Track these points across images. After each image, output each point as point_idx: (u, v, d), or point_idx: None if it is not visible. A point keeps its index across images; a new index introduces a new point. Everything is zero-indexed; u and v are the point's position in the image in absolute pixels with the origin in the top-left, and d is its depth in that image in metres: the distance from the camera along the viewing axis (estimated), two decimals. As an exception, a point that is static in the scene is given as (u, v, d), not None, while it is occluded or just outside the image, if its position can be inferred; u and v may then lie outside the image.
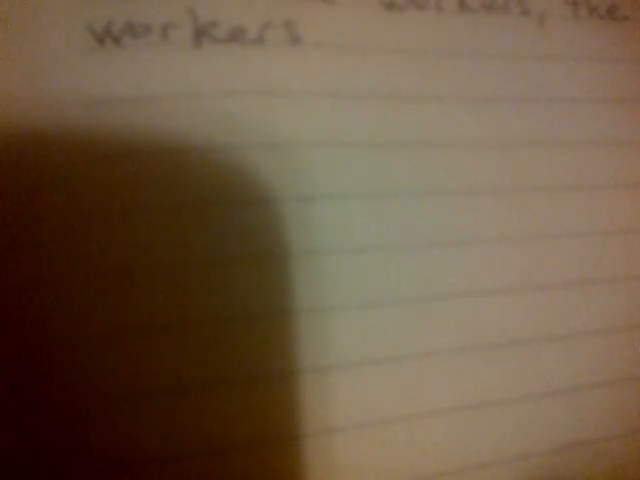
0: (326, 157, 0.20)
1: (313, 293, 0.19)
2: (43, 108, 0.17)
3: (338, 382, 0.19)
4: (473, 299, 0.21)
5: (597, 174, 0.23)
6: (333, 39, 0.20)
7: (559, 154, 0.22)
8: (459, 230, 0.21)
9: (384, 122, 0.20)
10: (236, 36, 0.19)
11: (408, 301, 0.20)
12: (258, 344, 0.19)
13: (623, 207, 0.23)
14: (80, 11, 0.18)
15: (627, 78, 0.24)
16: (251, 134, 0.19)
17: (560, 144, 0.23)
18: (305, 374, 0.19)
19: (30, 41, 0.17)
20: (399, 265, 0.20)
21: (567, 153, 0.23)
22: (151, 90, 0.18)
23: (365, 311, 0.20)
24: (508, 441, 0.21)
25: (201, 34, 0.18)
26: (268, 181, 0.19)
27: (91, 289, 0.17)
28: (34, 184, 0.17)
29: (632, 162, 0.23)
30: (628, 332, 0.23)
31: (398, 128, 0.21)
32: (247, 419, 0.19)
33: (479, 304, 0.21)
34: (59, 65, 0.17)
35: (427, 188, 0.21)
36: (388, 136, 0.20)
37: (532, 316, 0.22)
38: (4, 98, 0.17)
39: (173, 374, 0.18)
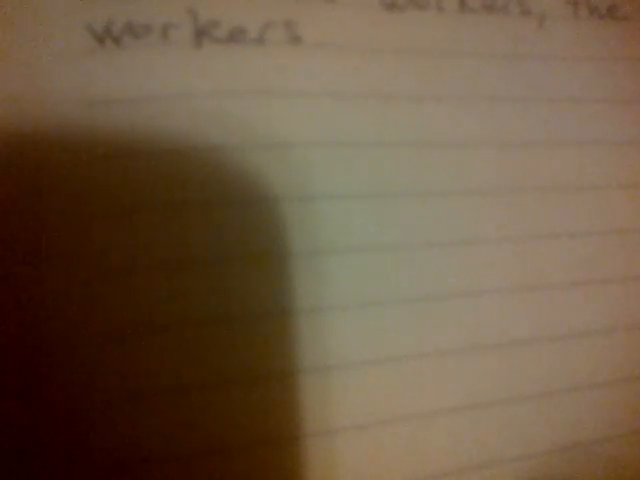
0: (326, 157, 0.20)
1: (313, 293, 0.19)
2: (43, 108, 0.17)
3: (338, 382, 0.19)
4: (473, 299, 0.21)
5: (597, 174, 0.23)
6: (333, 39, 0.20)
7: (559, 154, 0.22)
8: (459, 230, 0.21)
9: (384, 122, 0.20)
10: (236, 36, 0.19)
11: (408, 301, 0.20)
12: (258, 344, 0.19)
13: (623, 207, 0.23)
14: (80, 11, 0.18)
15: (627, 78, 0.24)
16: (251, 134, 0.19)
17: (560, 144, 0.23)
18: (305, 374, 0.19)
19: (30, 41, 0.17)
20: (399, 265, 0.20)
21: (567, 153, 0.23)
22: (151, 90, 0.18)
23: (365, 311, 0.20)
24: (508, 441, 0.21)
25: (201, 34, 0.18)
26: (268, 181, 0.19)
27: (91, 289, 0.17)
28: (34, 184, 0.17)
29: (632, 162, 0.23)
30: (628, 332, 0.23)
31: (398, 128, 0.21)
32: (247, 419, 0.19)
33: (479, 304, 0.21)
34: (59, 65, 0.17)
35: (427, 188, 0.21)
36: (388, 136, 0.20)
37: (532, 316, 0.22)
38: (4, 98, 0.17)
39: (173, 374, 0.18)
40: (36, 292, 0.17)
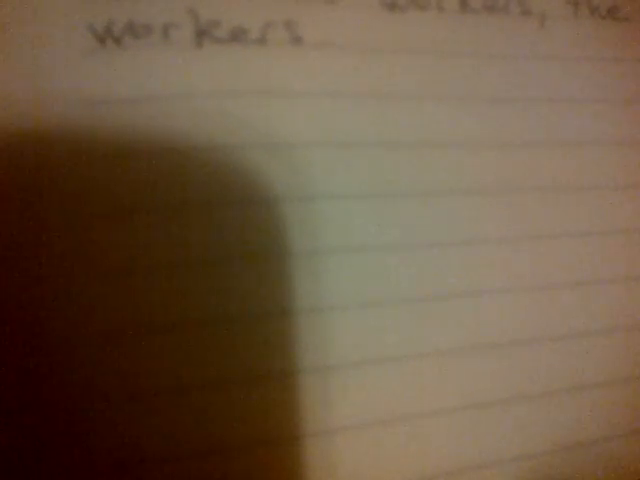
0: (326, 157, 0.20)
1: (313, 293, 0.19)
2: (44, 108, 0.17)
3: (338, 382, 0.19)
4: (473, 299, 0.21)
5: (597, 174, 0.23)
6: (334, 39, 0.20)
7: (559, 154, 0.22)
8: (459, 230, 0.21)
9: (384, 122, 0.20)
10: (237, 36, 0.19)
11: (408, 301, 0.20)
12: (258, 344, 0.19)
13: (623, 207, 0.23)
14: (81, 11, 0.18)
15: (627, 78, 0.24)
16: (251, 134, 0.19)
17: (560, 144, 0.23)
18: (305, 374, 0.19)
19: (31, 41, 0.17)
20: (399, 265, 0.20)
21: (567, 153, 0.23)
22: (152, 90, 0.18)
23: (365, 311, 0.20)
24: (508, 441, 0.21)
25: (202, 34, 0.18)
26: (268, 181, 0.19)
27: (91, 289, 0.17)
28: (35, 184, 0.17)
29: (632, 162, 0.23)
30: (628, 332, 0.23)
31: (398, 128, 0.20)
32: (247, 419, 0.19)
33: (479, 304, 0.21)
34: (60, 65, 0.17)
35: (427, 188, 0.21)
36: (388, 136, 0.20)
37: (532, 316, 0.22)
38: (5, 98, 0.17)
39: (173, 374, 0.18)
40: (36, 292, 0.17)
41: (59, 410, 0.17)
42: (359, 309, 0.20)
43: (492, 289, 0.21)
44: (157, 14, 0.18)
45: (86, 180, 0.17)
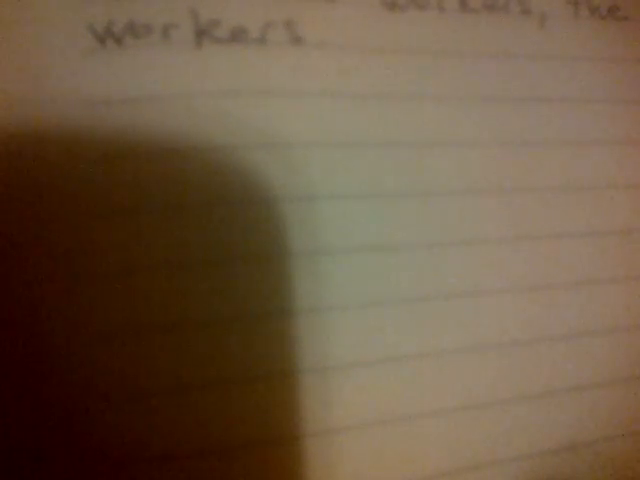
0: (326, 157, 0.20)
1: (313, 293, 0.19)
2: (44, 108, 0.17)
3: (338, 382, 0.19)
4: (473, 299, 0.21)
5: (597, 174, 0.23)
6: (334, 39, 0.20)
7: (559, 154, 0.22)
8: (459, 230, 0.21)
9: (384, 122, 0.20)
10: (237, 36, 0.19)
11: (408, 301, 0.20)
12: (258, 344, 0.19)
13: (623, 207, 0.23)
14: (81, 11, 0.18)
15: (627, 78, 0.24)
16: (251, 134, 0.19)
17: (560, 144, 0.23)
18: (305, 374, 0.19)
19: (31, 41, 0.17)
20: (399, 265, 0.20)
21: (567, 153, 0.23)
22: (152, 90, 0.18)
23: (365, 311, 0.20)
24: (508, 441, 0.21)
25: (202, 34, 0.18)
26: (268, 181, 0.19)
27: (91, 289, 0.17)
28: (34, 184, 0.17)
29: (632, 162, 0.23)
30: (628, 332, 0.23)
31: (398, 128, 0.20)
32: (247, 419, 0.19)
33: (479, 304, 0.21)
34: (60, 65, 0.17)
35: (427, 188, 0.21)
36: (388, 136, 0.20)
37: (532, 316, 0.22)
38: (5, 98, 0.17)
39: (173, 374, 0.18)
40: (36, 292, 0.17)
41: (59, 410, 0.17)
42: (359, 309, 0.20)
43: (492, 289, 0.21)
44: (157, 14, 0.18)
45: (86, 180, 0.17)
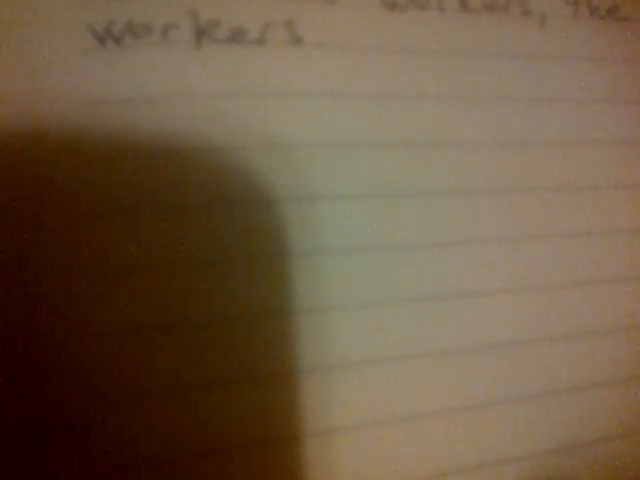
0: (326, 157, 0.20)
1: (313, 293, 0.19)
2: (44, 108, 0.17)
3: (338, 382, 0.19)
4: (473, 299, 0.21)
5: (597, 174, 0.23)
6: (334, 39, 0.20)
7: (559, 154, 0.22)
8: (459, 230, 0.21)
9: (384, 122, 0.20)
10: (237, 36, 0.19)
11: (408, 301, 0.20)
12: (258, 344, 0.19)
13: (623, 207, 0.23)
14: (81, 11, 0.18)
15: (627, 78, 0.24)
16: (251, 134, 0.19)
17: (560, 144, 0.23)
18: (305, 374, 0.19)
19: (31, 41, 0.17)
20: (399, 265, 0.20)
21: (567, 153, 0.23)
22: (152, 90, 0.18)
23: (365, 311, 0.20)
24: (508, 441, 0.21)
25: (202, 34, 0.18)
26: (268, 181, 0.19)
27: (91, 289, 0.17)
28: (35, 184, 0.17)
29: (632, 162, 0.23)
30: (628, 332, 0.23)
31: (398, 128, 0.20)
32: (247, 419, 0.19)
33: (479, 304, 0.21)
34: (60, 65, 0.17)
35: (427, 188, 0.21)
36: (388, 136, 0.20)
37: (532, 316, 0.22)
38: (4, 98, 0.17)
39: (173, 374, 0.18)
40: (36, 292, 0.17)
41: (59, 410, 0.17)
42: (359, 309, 0.20)
43: (492, 289, 0.21)
44: (157, 14, 0.18)
45: (86, 180, 0.17)
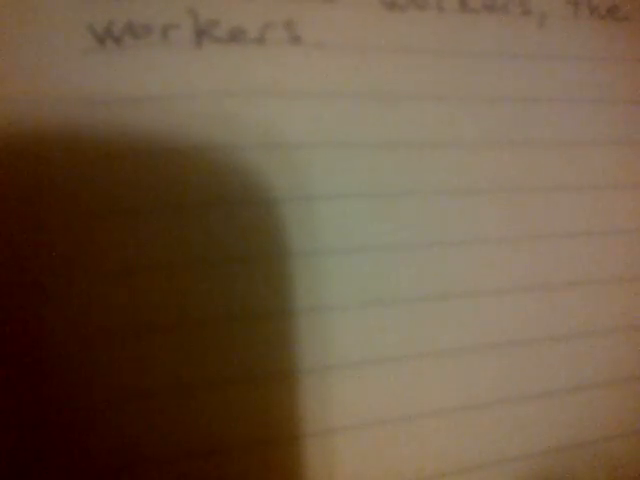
0: (326, 157, 0.20)
1: (313, 293, 0.19)
2: (43, 108, 0.17)
3: (338, 382, 0.19)
4: (473, 299, 0.21)
5: (597, 174, 0.23)
6: (333, 39, 0.20)
7: (559, 154, 0.22)
8: (459, 230, 0.21)
9: (384, 122, 0.20)
10: (236, 36, 0.19)
11: (408, 301, 0.20)
12: (258, 344, 0.19)
13: (623, 207, 0.23)
14: (81, 11, 0.18)
15: (627, 78, 0.24)
16: (251, 134, 0.19)
17: (560, 144, 0.23)
18: (305, 374, 0.19)
19: (31, 41, 0.17)
20: (399, 265, 0.20)
21: (567, 153, 0.23)
22: (151, 90, 0.18)
23: (365, 311, 0.20)
24: (508, 441, 0.21)
25: (201, 34, 0.18)
26: (268, 181, 0.19)
27: (91, 289, 0.17)
28: (35, 184, 0.17)
29: (632, 162, 0.23)
30: (628, 332, 0.23)
31: (398, 128, 0.20)
32: (247, 419, 0.19)
33: (479, 304, 0.21)
34: (60, 65, 0.17)
35: (427, 188, 0.21)
36: (388, 136, 0.20)
37: (532, 316, 0.22)
38: (4, 98, 0.17)
39: (173, 374, 0.18)
40: (36, 292, 0.17)
41: (59, 410, 0.17)
42: (359, 309, 0.20)
43: (492, 289, 0.21)
44: (157, 14, 0.18)
45: (86, 180, 0.17)
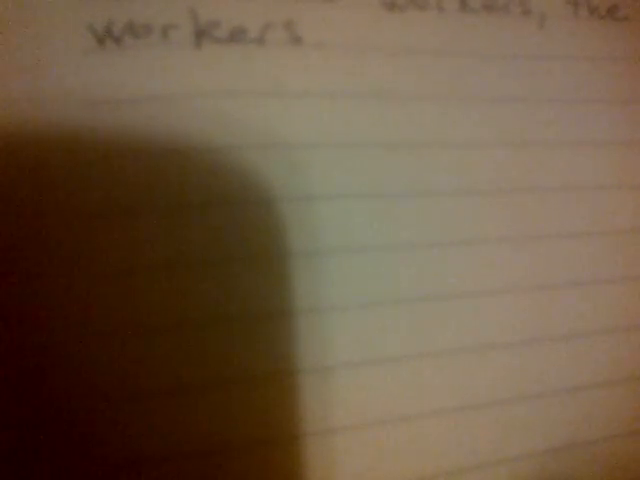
0: (326, 157, 0.20)
1: (313, 293, 0.19)
2: (44, 108, 0.17)
3: (338, 382, 0.19)
4: (473, 299, 0.21)
5: (597, 174, 0.23)
6: (334, 39, 0.20)
7: (559, 154, 0.22)
8: (459, 230, 0.21)
9: (384, 122, 0.20)
10: (236, 36, 0.19)
11: (408, 301, 0.20)
12: (258, 344, 0.19)
13: (623, 207, 0.23)
14: (81, 11, 0.18)
15: (627, 78, 0.24)
16: (251, 134, 0.19)
17: (560, 144, 0.23)
18: (305, 374, 0.19)
19: (31, 41, 0.17)
20: (399, 265, 0.20)
21: (567, 153, 0.23)
22: (152, 90, 0.18)
23: (365, 311, 0.20)
24: (508, 441, 0.21)
25: (202, 34, 0.18)
26: (268, 181, 0.19)
27: (91, 289, 0.17)
28: (35, 184, 0.17)
29: (632, 162, 0.23)
30: (628, 332, 0.23)
31: (398, 128, 0.21)
32: (247, 419, 0.19)
33: (479, 304, 0.21)
34: (60, 65, 0.17)
35: (427, 188, 0.21)
36: (388, 136, 0.20)
37: (532, 316, 0.22)
38: (4, 98, 0.17)
39: (173, 374, 0.18)
40: (36, 292, 0.17)
41: (59, 410, 0.17)
42: (359, 309, 0.20)
43: (492, 289, 0.21)
44: (157, 14, 0.18)
45: (86, 180, 0.17)
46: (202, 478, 0.18)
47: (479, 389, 0.21)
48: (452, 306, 0.21)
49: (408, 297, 0.20)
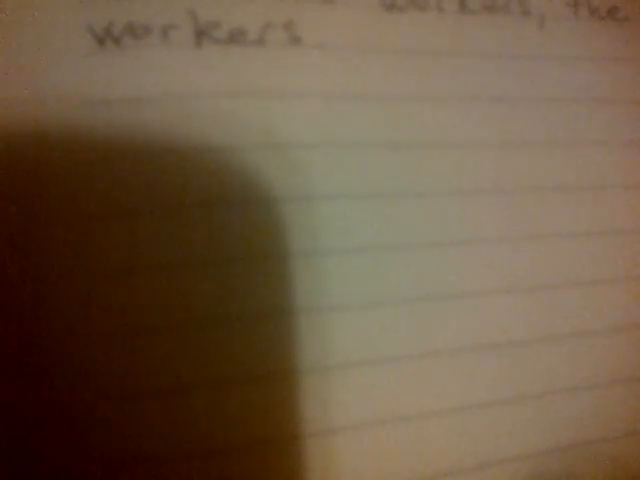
0: (326, 157, 0.20)
1: (313, 293, 0.19)
2: (43, 109, 0.17)
3: (338, 382, 0.19)
4: (473, 299, 0.21)
5: (597, 174, 0.23)
6: (333, 40, 0.20)
7: (559, 154, 0.22)
8: (459, 230, 0.21)
9: (384, 122, 0.20)
10: (236, 37, 0.19)
11: (408, 301, 0.20)
12: (258, 344, 0.19)
13: (623, 207, 0.23)
14: (80, 12, 0.18)
15: (627, 78, 0.24)
16: (251, 135, 0.19)
17: (560, 144, 0.23)
18: (305, 374, 0.19)
19: (31, 42, 0.17)
20: (399, 265, 0.20)
21: (567, 153, 0.23)
22: (151, 91, 0.18)
23: (365, 311, 0.20)
24: (508, 441, 0.21)
25: (201, 35, 0.18)
26: (268, 181, 0.19)
27: (91, 289, 0.17)
28: (34, 184, 0.17)
29: (632, 162, 0.23)
30: (628, 332, 0.23)
31: (398, 128, 0.21)
32: (247, 419, 0.19)
33: (479, 304, 0.21)
34: (60, 66, 0.17)
35: (427, 188, 0.21)
36: (388, 136, 0.20)
37: (532, 316, 0.22)
38: (4, 98, 0.17)
39: (173, 374, 0.18)
40: (36, 292, 0.17)
41: (59, 410, 0.17)
42: (359, 309, 0.20)
43: (492, 289, 0.21)
44: (156, 15, 0.18)
45: (86, 180, 0.17)
46: (202, 478, 0.18)
47: (479, 389, 0.21)
48: (452, 306, 0.21)
49: (408, 297, 0.20)
